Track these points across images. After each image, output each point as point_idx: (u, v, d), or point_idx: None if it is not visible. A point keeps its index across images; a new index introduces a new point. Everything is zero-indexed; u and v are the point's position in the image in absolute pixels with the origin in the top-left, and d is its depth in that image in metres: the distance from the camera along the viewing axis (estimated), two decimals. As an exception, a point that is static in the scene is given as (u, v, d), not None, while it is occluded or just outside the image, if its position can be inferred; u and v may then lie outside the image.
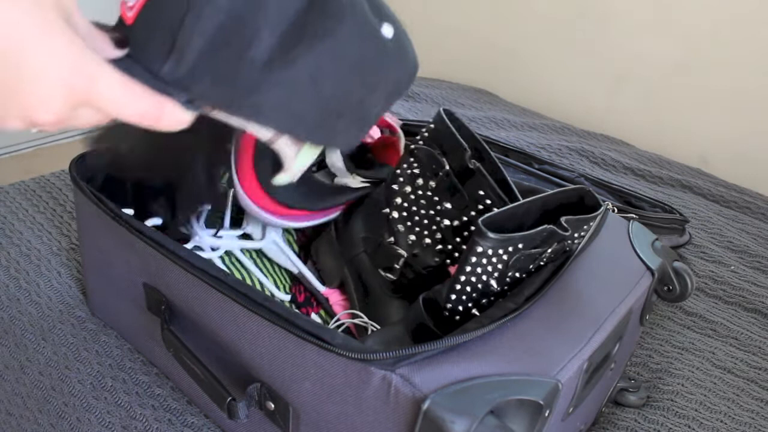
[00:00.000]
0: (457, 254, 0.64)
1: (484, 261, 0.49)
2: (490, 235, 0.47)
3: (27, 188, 0.97)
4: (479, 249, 0.48)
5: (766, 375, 0.78)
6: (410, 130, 1.07)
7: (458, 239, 0.63)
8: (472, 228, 0.62)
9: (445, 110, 0.64)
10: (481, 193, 0.60)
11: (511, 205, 0.51)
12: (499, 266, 0.50)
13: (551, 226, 0.50)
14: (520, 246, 0.49)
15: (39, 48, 0.31)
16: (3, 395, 0.67)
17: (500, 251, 0.48)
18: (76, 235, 0.87)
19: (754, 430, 0.70)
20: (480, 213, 0.61)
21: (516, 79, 1.72)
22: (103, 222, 0.63)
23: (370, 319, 0.68)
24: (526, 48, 1.69)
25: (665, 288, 0.63)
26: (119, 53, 0.39)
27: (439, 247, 0.65)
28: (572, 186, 0.57)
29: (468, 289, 0.51)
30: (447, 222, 0.63)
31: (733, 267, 0.96)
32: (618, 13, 1.49)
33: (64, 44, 0.32)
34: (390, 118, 0.79)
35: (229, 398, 0.53)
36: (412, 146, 0.66)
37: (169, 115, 0.38)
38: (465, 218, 0.62)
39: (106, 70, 0.35)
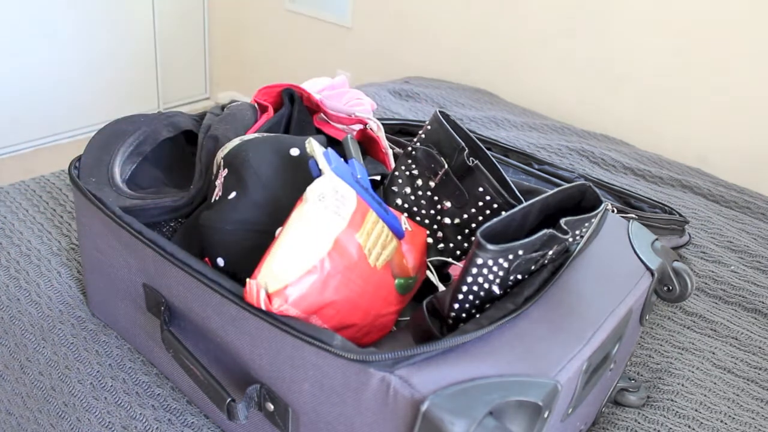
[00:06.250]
0: (458, 252, 0.65)
1: (485, 271, 0.49)
2: (489, 247, 0.47)
3: (27, 188, 0.97)
4: (479, 261, 0.48)
5: (766, 375, 0.78)
6: (410, 130, 1.07)
7: (459, 237, 0.64)
8: (473, 225, 0.63)
9: (440, 111, 0.65)
10: (481, 189, 0.61)
11: (510, 212, 0.51)
12: (500, 273, 0.50)
13: (551, 230, 0.50)
14: (521, 252, 0.49)
15: None
16: (3, 395, 0.67)
17: (500, 260, 0.48)
18: (76, 235, 0.87)
19: (754, 430, 0.70)
20: (480, 209, 0.62)
21: (516, 79, 1.72)
22: (103, 223, 0.63)
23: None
24: (526, 48, 1.69)
25: (665, 288, 0.63)
26: None
27: (441, 245, 0.65)
28: (572, 185, 0.57)
29: (470, 297, 0.51)
30: (448, 220, 0.64)
31: (733, 267, 0.96)
32: (618, 13, 1.49)
33: None
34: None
35: (229, 399, 0.53)
36: (410, 148, 0.66)
37: None
38: (465, 215, 0.63)
39: None
